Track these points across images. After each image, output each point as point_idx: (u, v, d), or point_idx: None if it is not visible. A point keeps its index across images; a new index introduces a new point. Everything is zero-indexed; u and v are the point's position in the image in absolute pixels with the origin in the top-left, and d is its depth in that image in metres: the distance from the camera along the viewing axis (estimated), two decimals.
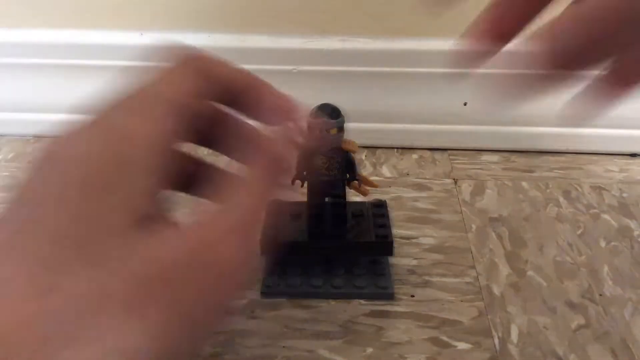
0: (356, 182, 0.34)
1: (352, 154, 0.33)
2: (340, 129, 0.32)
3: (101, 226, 0.18)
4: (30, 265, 0.17)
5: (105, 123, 0.20)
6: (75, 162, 0.19)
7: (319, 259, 0.36)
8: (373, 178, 0.47)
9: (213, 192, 0.22)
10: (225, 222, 0.20)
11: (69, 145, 0.20)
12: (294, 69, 0.49)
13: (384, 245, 0.34)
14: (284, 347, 0.31)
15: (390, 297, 0.34)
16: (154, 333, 0.17)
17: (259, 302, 0.34)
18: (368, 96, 0.50)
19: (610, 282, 0.36)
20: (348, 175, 0.34)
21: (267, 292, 0.34)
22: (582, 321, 0.33)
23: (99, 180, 0.19)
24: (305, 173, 0.33)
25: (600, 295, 0.35)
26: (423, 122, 0.50)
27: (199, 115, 0.23)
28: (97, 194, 0.18)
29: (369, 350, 0.31)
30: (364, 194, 0.34)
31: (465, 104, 0.50)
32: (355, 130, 0.52)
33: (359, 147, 0.34)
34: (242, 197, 0.22)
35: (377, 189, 0.45)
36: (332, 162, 0.32)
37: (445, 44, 0.48)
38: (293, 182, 0.33)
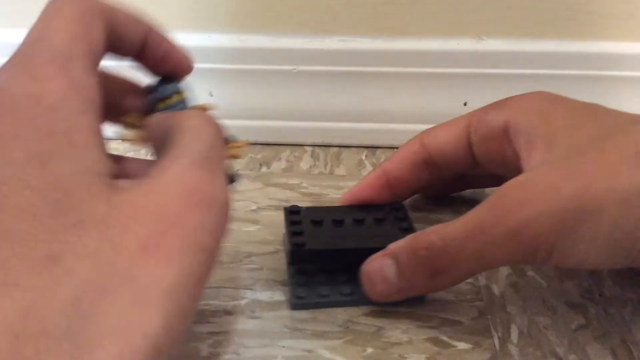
0: (231, 141, 0.30)
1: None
2: (179, 92, 0.29)
3: (72, 195, 0.18)
4: (15, 246, 0.17)
5: (7, 96, 0.20)
6: (2, 146, 0.18)
7: (341, 266, 0.34)
8: None
9: (164, 125, 0.24)
10: (202, 157, 0.21)
11: None
12: (294, 69, 0.49)
13: None
14: (284, 347, 0.31)
15: (421, 301, 0.33)
16: (177, 265, 0.18)
17: (259, 302, 0.34)
18: (368, 96, 0.50)
19: (610, 282, 0.36)
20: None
21: (299, 303, 0.33)
22: (582, 321, 0.33)
23: (40, 153, 0.18)
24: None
25: (600, 295, 0.35)
26: (423, 122, 0.50)
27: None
28: (47, 168, 0.18)
29: (369, 350, 0.31)
30: (237, 156, 0.30)
31: (465, 104, 0.50)
32: (356, 130, 0.52)
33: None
34: (200, 127, 0.23)
35: None
36: None
37: (446, 44, 0.49)
38: None
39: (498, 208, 0.28)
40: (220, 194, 0.20)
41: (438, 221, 0.41)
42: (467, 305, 0.34)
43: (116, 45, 0.24)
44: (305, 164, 0.49)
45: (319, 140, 0.52)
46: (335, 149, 0.52)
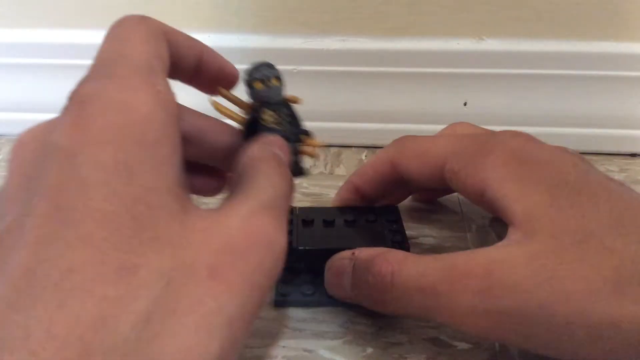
0: (310, 138, 0.31)
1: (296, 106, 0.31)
2: (279, 78, 0.30)
3: (153, 210, 0.18)
4: (93, 251, 0.16)
5: (97, 100, 0.19)
6: (91, 148, 0.18)
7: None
8: None
9: (235, 167, 0.24)
10: (271, 204, 0.21)
11: (74, 132, 0.18)
12: (294, 69, 0.49)
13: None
14: (284, 347, 0.31)
15: None
16: (239, 296, 0.18)
17: None
18: (368, 96, 0.50)
19: None
20: (299, 133, 0.31)
21: (281, 300, 0.33)
22: None
23: (128, 162, 0.18)
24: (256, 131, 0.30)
25: None
26: (423, 122, 0.50)
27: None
28: (133, 178, 0.18)
29: (369, 350, 0.31)
30: (314, 155, 0.31)
31: (465, 104, 0.50)
32: (356, 130, 0.52)
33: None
34: (273, 175, 0.23)
35: None
36: (281, 116, 0.30)
37: (446, 44, 0.49)
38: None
39: (457, 282, 0.26)
40: (280, 240, 0.21)
41: (438, 221, 0.42)
42: None
43: (176, 65, 0.24)
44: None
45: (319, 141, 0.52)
46: (335, 149, 0.52)
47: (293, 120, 0.30)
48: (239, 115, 0.29)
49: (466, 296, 0.25)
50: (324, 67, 0.49)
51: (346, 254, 0.31)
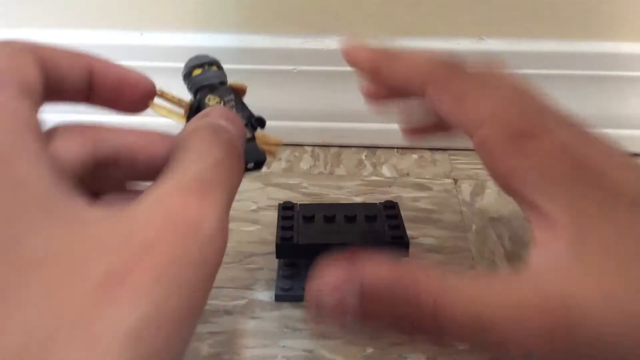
0: (261, 131, 0.28)
1: (243, 95, 0.28)
2: (219, 67, 0.28)
3: (18, 224, 0.15)
4: None
5: None
6: None
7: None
8: (373, 178, 0.47)
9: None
10: (196, 178, 0.18)
11: None
12: (294, 69, 0.49)
13: (400, 246, 0.34)
14: (283, 347, 0.31)
15: None
16: (145, 302, 0.15)
17: (259, 302, 0.34)
18: None
19: None
20: (249, 118, 0.27)
21: (282, 295, 0.34)
22: None
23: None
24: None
25: None
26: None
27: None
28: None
29: (369, 350, 0.31)
30: (273, 153, 0.28)
31: None
32: (356, 130, 0.52)
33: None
34: (203, 144, 0.19)
35: (376, 189, 0.46)
36: (227, 102, 0.27)
37: (446, 44, 0.49)
38: None
39: (528, 320, 0.21)
40: (210, 220, 0.17)
41: (438, 221, 0.42)
42: None
43: (60, 85, 0.21)
44: (305, 164, 0.49)
45: (319, 140, 0.52)
46: (335, 149, 0.52)
47: (241, 106, 0.27)
48: (180, 113, 0.26)
49: (541, 337, 0.21)
50: (324, 67, 0.49)
51: (332, 276, 0.22)
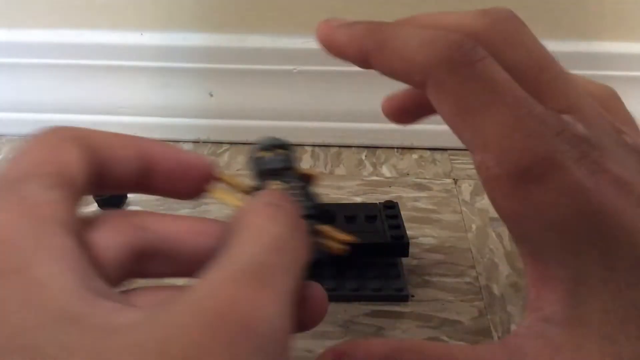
0: (329, 227, 0.24)
1: (313, 183, 0.25)
2: (289, 150, 0.25)
3: (41, 345, 0.13)
4: None
5: None
6: None
7: (327, 262, 0.35)
8: (373, 178, 0.47)
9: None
10: (252, 266, 0.15)
11: None
12: (294, 69, 0.49)
13: (400, 246, 0.34)
14: None
15: (405, 299, 0.34)
16: None
17: None
18: (368, 96, 0.50)
19: None
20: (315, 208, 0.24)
21: None
22: None
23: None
24: None
25: None
26: (423, 122, 0.50)
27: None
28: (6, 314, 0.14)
29: None
30: (337, 250, 0.24)
31: None
32: (356, 130, 0.52)
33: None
34: (259, 223, 0.17)
35: (376, 189, 0.46)
36: (292, 188, 0.24)
37: None
38: None
39: None
40: (268, 317, 0.14)
41: (438, 221, 0.42)
42: (467, 305, 0.34)
43: (111, 173, 0.19)
44: (305, 164, 0.49)
45: (319, 140, 0.52)
46: (335, 149, 0.52)
47: (308, 195, 0.24)
48: (239, 200, 0.23)
49: None
50: (324, 67, 0.49)
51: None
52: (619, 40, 0.48)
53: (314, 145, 0.52)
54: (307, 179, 0.24)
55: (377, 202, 0.38)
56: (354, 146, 0.52)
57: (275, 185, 0.23)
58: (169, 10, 0.49)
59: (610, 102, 0.24)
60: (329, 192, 0.45)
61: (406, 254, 0.34)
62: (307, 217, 0.22)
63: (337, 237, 0.24)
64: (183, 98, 0.51)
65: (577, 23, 0.48)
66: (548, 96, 0.21)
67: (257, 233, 0.16)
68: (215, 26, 0.49)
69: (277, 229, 0.17)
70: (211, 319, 0.13)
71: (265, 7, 0.48)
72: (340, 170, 0.48)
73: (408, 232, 0.35)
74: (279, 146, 0.24)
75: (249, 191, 0.23)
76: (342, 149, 0.52)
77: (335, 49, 0.25)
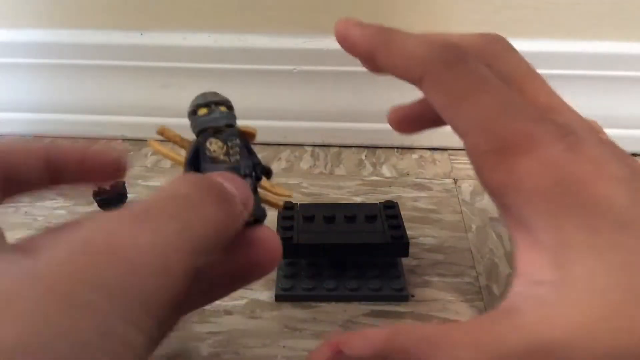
0: (267, 181, 0.25)
1: (251, 141, 0.25)
2: (229, 107, 0.25)
3: None
4: None
5: None
6: None
7: (328, 262, 0.35)
8: (373, 178, 0.47)
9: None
10: (138, 210, 0.16)
11: None
12: (294, 69, 0.49)
13: (400, 246, 0.34)
14: (284, 347, 0.31)
15: (405, 299, 0.34)
16: (26, 324, 0.13)
17: (259, 302, 0.34)
18: (368, 96, 0.50)
19: None
20: (254, 166, 0.24)
21: (282, 295, 0.34)
22: None
23: None
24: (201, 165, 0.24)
25: None
26: None
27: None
28: None
29: None
30: (277, 205, 0.25)
31: None
32: (356, 130, 0.52)
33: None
34: (177, 183, 0.18)
35: (376, 189, 0.46)
36: (231, 146, 0.24)
37: None
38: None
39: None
40: (137, 245, 0.15)
41: (438, 221, 0.42)
42: (467, 305, 0.34)
43: (17, 178, 0.21)
44: (305, 164, 0.49)
45: (319, 140, 0.52)
46: (335, 149, 0.52)
47: (247, 153, 0.24)
48: (179, 155, 0.24)
49: None
50: (324, 67, 0.49)
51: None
52: (619, 40, 0.48)
53: (314, 145, 0.52)
54: (246, 136, 0.25)
55: (377, 202, 0.38)
56: (354, 146, 0.52)
57: (215, 143, 0.24)
58: (169, 10, 0.49)
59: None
60: (329, 192, 0.45)
61: (406, 254, 0.34)
62: (247, 175, 0.23)
63: (276, 192, 0.25)
64: (183, 98, 0.51)
65: (577, 23, 0.48)
66: (530, 98, 0.25)
67: (162, 189, 0.18)
68: (215, 26, 0.49)
69: (185, 190, 0.18)
70: (83, 248, 0.15)
71: (265, 7, 0.48)
72: (340, 170, 0.48)
73: (408, 232, 0.35)
74: (220, 102, 0.25)
75: (189, 147, 0.24)
76: (342, 149, 0.52)
77: (348, 43, 0.29)
